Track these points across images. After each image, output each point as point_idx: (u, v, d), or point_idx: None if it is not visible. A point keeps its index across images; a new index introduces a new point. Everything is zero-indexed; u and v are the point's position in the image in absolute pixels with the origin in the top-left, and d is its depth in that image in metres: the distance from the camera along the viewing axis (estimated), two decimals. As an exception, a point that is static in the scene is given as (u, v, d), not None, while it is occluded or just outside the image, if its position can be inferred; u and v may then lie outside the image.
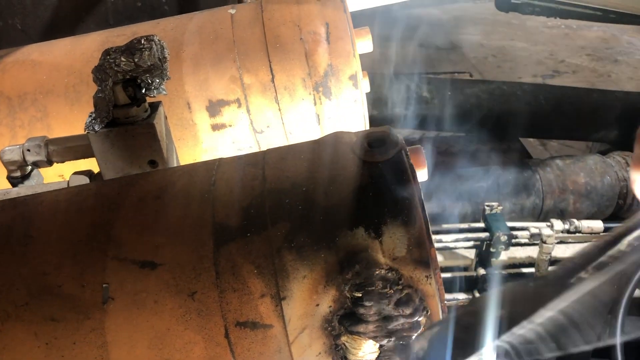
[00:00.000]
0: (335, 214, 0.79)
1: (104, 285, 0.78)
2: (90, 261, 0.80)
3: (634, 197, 2.63)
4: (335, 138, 0.90)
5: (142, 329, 0.78)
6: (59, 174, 1.37)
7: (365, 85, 1.49)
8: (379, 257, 0.76)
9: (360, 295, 0.75)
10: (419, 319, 0.76)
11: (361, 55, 1.49)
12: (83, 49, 1.42)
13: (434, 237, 2.30)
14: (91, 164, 1.19)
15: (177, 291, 0.78)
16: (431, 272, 0.76)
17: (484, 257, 2.28)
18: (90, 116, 1.10)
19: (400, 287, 0.76)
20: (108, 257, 0.80)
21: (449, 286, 2.33)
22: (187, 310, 0.77)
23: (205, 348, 0.78)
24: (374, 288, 0.75)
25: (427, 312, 0.76)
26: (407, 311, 0.76)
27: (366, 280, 0.76)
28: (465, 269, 2.36)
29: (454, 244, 2.24)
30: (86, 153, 1.16)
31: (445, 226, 2.26)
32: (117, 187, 0.90)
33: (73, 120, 1.36)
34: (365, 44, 1.41)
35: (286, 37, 1.34)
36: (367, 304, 0.75)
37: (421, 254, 0.76)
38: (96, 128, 1.09)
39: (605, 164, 2.59)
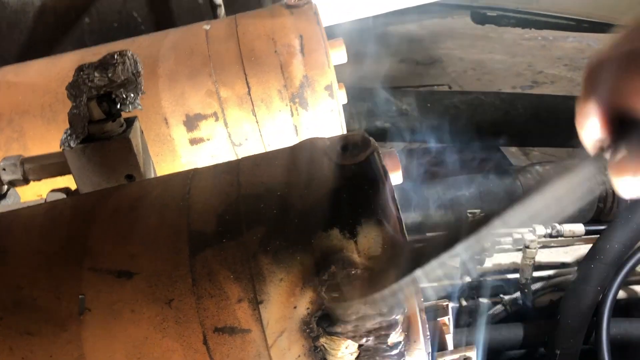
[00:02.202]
0: (310, 217, 0.79)
1: (80, 296, 0.78)
2: (65, 273, 0.80)
3: (613, 200, 2.66)
4: (309, 143, 0.91)
5: (119, 339, 0.77)
6: (37, 194, 1.36)
7: (342, 96, 1.51)
8: (355, 257, 0.77)
9: (337, 295, 0.76)
10: (397, 317, 0.76)
11: (340, 71, 1.51)
12: (59, 69, 1.43)
13: (417, 245, 2.31)
14: (69, 182, 1.19)
15: (153, 299, 0.77)
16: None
17: (469, 265, 2.29)
18: (65, 133, 1.10)
19: (376, 286, 0.76)
20: (84, 268, 0.80)
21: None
22: (165, 318, 0.77)
23: (184, 355, 0.77)
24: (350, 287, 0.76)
25: (404, 309, 0.77)
26: (384, 309, 0.76)
27: (342, 281, 0.76)
28: (451, 278, 2.37)
29: (439, 253, 2.25)
30: (63, 170, 1.16)
31: (429, 235, 2.27)
32: (93, 199, 0.90)
33: (50, 139, 1.36)
34: (339, 54, 1.43)
35: (261, 50, 1.36)
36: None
37: (396, 252, 0.77)
38: (72, 144, 1.09)
39: (584, 168, 2.62)
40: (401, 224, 0.79)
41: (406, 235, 0.79)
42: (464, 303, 2.33)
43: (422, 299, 0.79)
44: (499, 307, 2.39)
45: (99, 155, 1.10)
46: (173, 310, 0.77)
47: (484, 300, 2.37)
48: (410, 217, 2.51)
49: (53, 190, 1.19)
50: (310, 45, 1.35)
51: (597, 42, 7.16)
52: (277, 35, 1.36)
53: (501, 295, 2.40)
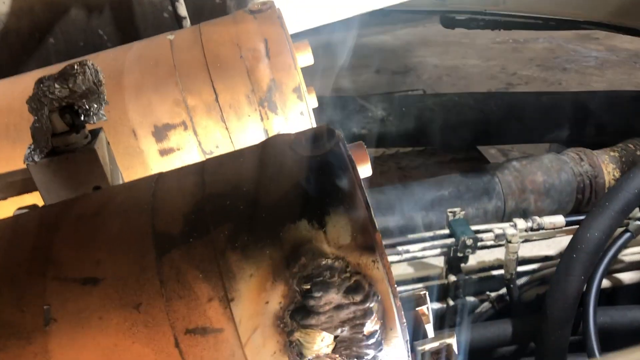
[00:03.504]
0: (277, 210, 0.78)
1: (44, 307, 0.76)
2: (29, 285, 0.77)
3: (592, 191, 2.68)
4: (274, 139, 0.90)
5: (88, 348, 0.75)
6: (3, 215, 1.33)
7: (312, 100, 1.51)
8: (324, 247, 0.76)
9: (309, 287, 0.74)
10: (371, 305, 0.75)
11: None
12: (22, 88, 1.41)
13: (400, 248, 2.30)
14: (36, 199, 1.16)
15: (121, 305, 0.75)
16: (377, 256, 0.76)
17: (453, 263, 2.29)
18: (29, 148, 1.08)
19: (348, 274, 0.75)
20: (48, 278, 0.77)
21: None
22: (134, 322, 0.75)
23: (155, 360, 0.75)
24: (321, 278, 0.74)
25: (378, 297, 0.76)
26: (358, 298, 0.75)
27: (313, 272, 0.75)
28: (437, 278, 2.36)
29: (422, 253, 2.25)
30: (28, 187, 1.14)
31: (411, 236, 2.27)
32: (57, 209, 0.88)
33: (17, 159, 1.33)
34: (305, 57, 1.43)
35: (226, 56, 1.35)
36: (316, 295, 0.74)
37: (365, 239, 0.76)
38: (36, 159, 1.07)
39: (560, 161, 2.65)
40: (370, 211, 0.78)
41: (375, 222, 0.78)
42: (451, 303, 2.32)
43: (395, 285, 0.77)
44: (486, 305, 2.39)
45: (64, 168, 1.07)
46: (142, 314, 0.75)
47: (470, 299, 2.37)
48: (392, 221, 2.50)
49: (20, 208, 1.16)
50: (275, 49, 1.35)
51: (567, 42, 7.30)
52: (242, 41, 1.36)
53: (487, 293, 2.40)
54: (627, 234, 2.21)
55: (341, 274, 0.75)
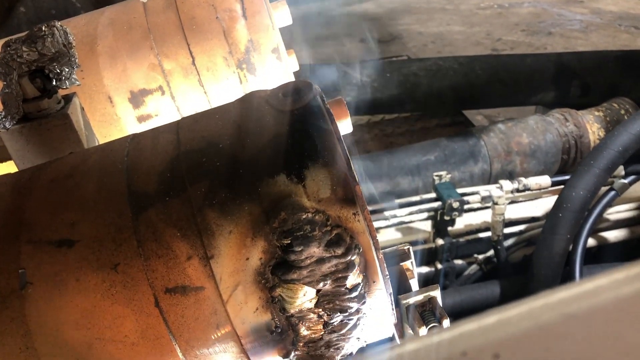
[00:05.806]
0: (255, 165, 0.76)
1: (19, 270, 0.74)
2: (2, 249, 0.75)
3: (577, 151, 2.68)
4: (250, 95, 0.88)
5: (66, 311, 0.73)
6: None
7: (292, 62, 1.48)
8: (304, 201, 0.74)
9: (289, 241, 0.73)
10: (352, 258, 0.74)
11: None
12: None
13: (387, 213, 2.30)
14: (11, 168, 1.14)
15: (98, 266, 0.74)
16: (358, 209, 0.74)
17: (440, 227, 2.29)
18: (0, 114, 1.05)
19: (328, 228, 0.74)
20: (22, 242, 0.75)
21: (410, 261, 2.33)
22: (112, 283, 0.73)
23: (136, 320, 0.74)
24: (302, 232, 0.73)
25: (359, 249, 0.75)
26: (339, 251, 0.74)
27: (293, 226, 0.73)
28: (424, 242, 2.37)
29: (409, 218, 2.25)
30: (2, 156, 1.11)
31: (398, 201, 2.26)
32: (29, 173, 0.86)
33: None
34: (283, 15, 1.40)
35: (202, 17, 1.31)
36: (296, 249, 0.73)
37: (346, 192, 0.75)
38: (7, 125, 1.04)
39: (545, 122, 2.64)
40: (349, 163, 0.76)
41: (355, 175, 0.77)
42: (439, 266, 2.33)
43: (377, 237, 0.76)
44: (474, 267, 2.40)
45: (37, 134, 1.05)
46: (120, 274, 0.74)
47: (458, 262, 2.38)
48: (378, 187, 2.50)
49: (-5, 178, 1.13)
50: (252, 8, 1.31)
51: (551, 6, 7.25)
52: (217, 1, 1.32)
53: (475, 255, 2.41)
54: (612, 192, 2.22)
55: (322, 228, 0.74)
